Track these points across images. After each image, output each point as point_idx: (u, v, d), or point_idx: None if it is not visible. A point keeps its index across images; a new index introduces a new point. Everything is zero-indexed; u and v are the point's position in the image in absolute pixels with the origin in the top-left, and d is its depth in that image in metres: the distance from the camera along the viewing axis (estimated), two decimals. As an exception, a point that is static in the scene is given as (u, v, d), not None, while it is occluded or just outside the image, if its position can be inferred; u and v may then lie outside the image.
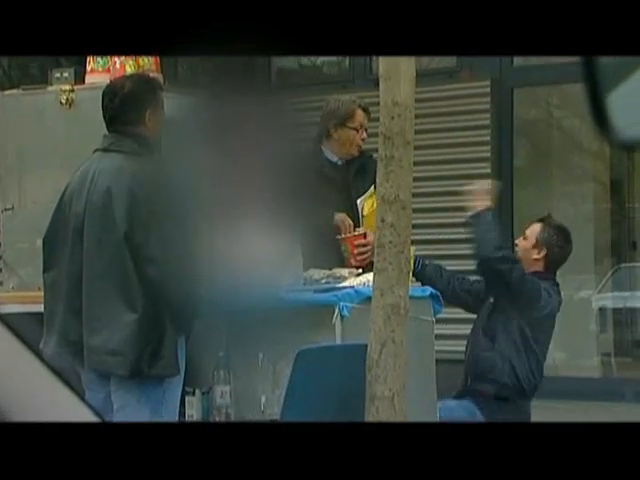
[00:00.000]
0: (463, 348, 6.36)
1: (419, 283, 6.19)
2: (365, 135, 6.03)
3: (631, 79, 1.34)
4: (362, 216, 6.05)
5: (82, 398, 1.29)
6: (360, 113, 6.02)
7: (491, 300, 6.25)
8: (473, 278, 6.44)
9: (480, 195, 6.15)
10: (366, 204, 6.00)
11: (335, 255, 5.96)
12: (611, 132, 1.35)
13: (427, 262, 6.48)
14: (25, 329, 1.49)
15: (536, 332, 6.16)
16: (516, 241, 6.45)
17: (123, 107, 5.05)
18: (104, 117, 5.13)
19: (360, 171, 6.06)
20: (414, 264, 6.28)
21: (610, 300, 11.51)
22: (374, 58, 7.81)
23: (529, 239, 6.28)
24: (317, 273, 5.76)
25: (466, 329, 6.47)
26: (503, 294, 6.09)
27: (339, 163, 6.11)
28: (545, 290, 6.14)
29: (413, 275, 6.33)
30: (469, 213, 6.14)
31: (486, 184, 6.34)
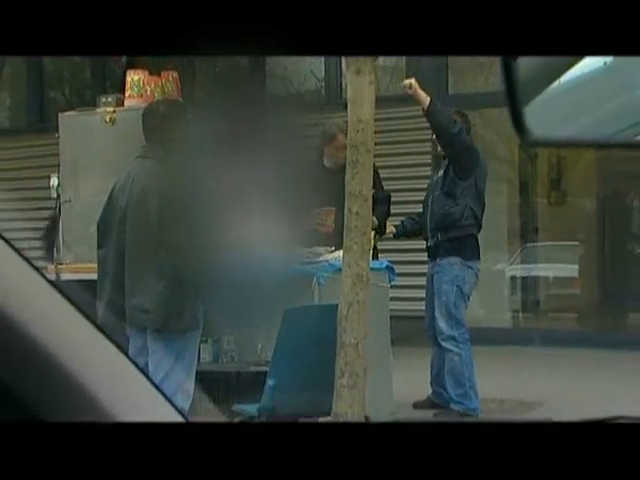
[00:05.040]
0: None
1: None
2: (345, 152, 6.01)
3: (545, 91, 1.30)
4: None
5: (121, 347, 1.13)
6: (340, 136, 5.95)
7: (440, 174, 6.35)
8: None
9: (417, 90, 6.12)
10: None
11: (314, 236, 5.89)
12: (526, 134, 1.28)
13: (399, 225, 6.60)
14: (78, 293, 1.35)
15: (481, 178, 6.34)
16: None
17: (160, 125, 4.98)
18: (144, 130, 5.05)
19: None
20: (397, 231, 6.44)
21: (519, 271, 11.53)
22: (344, 86, 7.67)
23: None
24: (300, 249, 5.70)
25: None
26: (461, 155, 6.17)
27: (334, 168, 6.04)
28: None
29: (401, 236, 6.50)
30: (425, 105, 6.09)
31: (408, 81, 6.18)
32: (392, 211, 6.63)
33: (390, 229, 6.49)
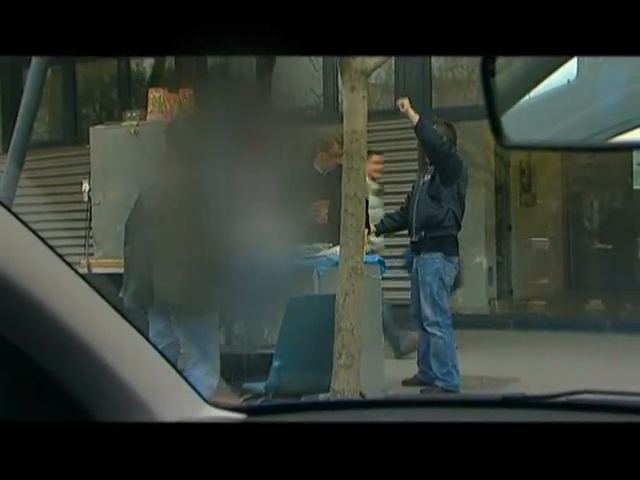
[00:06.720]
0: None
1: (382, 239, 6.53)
2: (339, 160, 5.98)
3: (519, 102, 1.30)
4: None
5: (142, 333, 1.11)
6: (336, 144, 5.95)
7: (426, 178, 6.26)
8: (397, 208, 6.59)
9: (408, 109, 6.10)
10: None
11: (314, 234, 5.88)
12: (503, 139, 1.26)
13: (381, 223, 6.55)
14: (106, 284, 1.34)
15: (463, 185, 6.27)
16: None
17: (176, 137, 4.98)
18: (166, 140, 5.05)
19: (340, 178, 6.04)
20: (377, 229, 6.43)
21: (495, 263, 11.51)
22: (340, 101, 7.65)
23: None
24: (302, 246, 5.68)
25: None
26: (446, 165, 6.11)
27: (324, 174, 6.02)
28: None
29: (382, 233, 6.48)
30: (414, 122, 6.04)
31: (405, 101, 6.17)
32: (383, 211, 6.64)
33: (372, 228, 6.48)
